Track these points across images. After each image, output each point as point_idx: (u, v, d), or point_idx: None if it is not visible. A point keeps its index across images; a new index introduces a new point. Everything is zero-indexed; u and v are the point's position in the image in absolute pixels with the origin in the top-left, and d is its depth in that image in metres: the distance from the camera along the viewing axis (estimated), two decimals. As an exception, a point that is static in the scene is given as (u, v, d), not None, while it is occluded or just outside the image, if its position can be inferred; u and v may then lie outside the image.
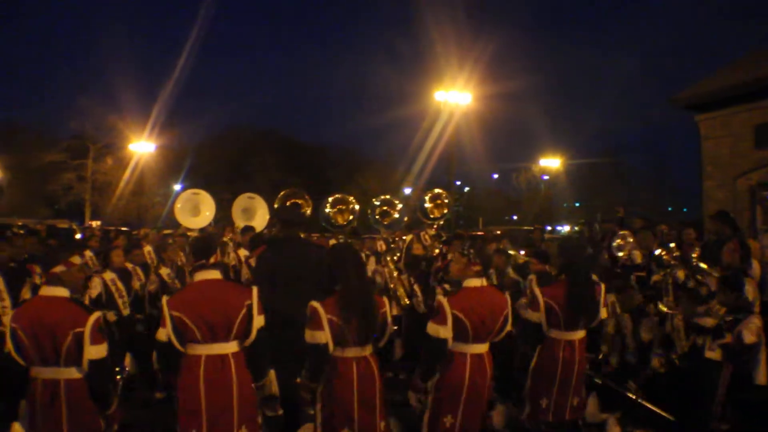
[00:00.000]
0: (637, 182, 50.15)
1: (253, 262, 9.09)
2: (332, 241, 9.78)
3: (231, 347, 4.80)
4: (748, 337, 6.01)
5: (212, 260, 5.14)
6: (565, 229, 46.88)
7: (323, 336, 4.66)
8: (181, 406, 4.68)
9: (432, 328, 5.04)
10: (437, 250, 10.30)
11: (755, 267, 7.49)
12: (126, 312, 8.34)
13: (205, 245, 5.21)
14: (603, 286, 6.06)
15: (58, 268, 4.70)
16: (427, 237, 11.17)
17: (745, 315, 6.22)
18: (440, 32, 46.73)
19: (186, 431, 4.65)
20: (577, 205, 54.49)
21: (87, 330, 4.47)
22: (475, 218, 51.77)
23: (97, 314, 4.62)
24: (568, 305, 5.70)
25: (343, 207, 9.76)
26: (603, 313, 6.07)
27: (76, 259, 4.87)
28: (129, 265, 8.86)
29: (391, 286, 8.96)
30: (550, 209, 52.96)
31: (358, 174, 49.90)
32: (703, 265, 7.47)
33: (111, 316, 7.98)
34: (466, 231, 20.73)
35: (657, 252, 8.36)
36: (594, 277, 6.14)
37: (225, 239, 10.95)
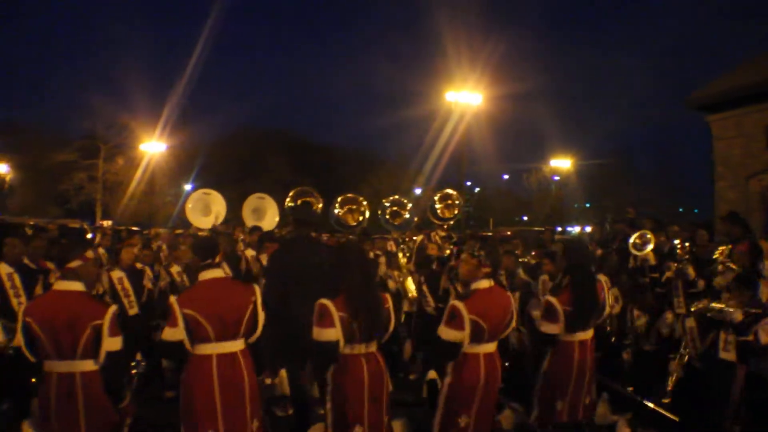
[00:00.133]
0: (647, 183, 49.93)
1: (264, 259, 9.11)
2: (342, 241, 9.80)
3: (239, 344, 4.87)
4: (765, 338, 5.97)
5: (218, 259, 5.19)
6: (576, 229, 46.75)
7: (335, 333, 4.64)
8: (195, 407, 4.66)
9: (447, 333, 5.05)
10: (448, 251, 10.29)
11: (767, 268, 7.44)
12: (132, 311, 8.27)
13: (209, 244, 5.26)
14: (604, 280, 6.10)
15: (75, 263, 4.76)
16: (437, 238, 11.16)
17: (760, 316, 6.17)
18: (451, 33, 46.59)
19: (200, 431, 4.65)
20: (588, 205, 54.41)
21: (106, 322, 4.56)
22: (486, 219, 51.74)
23: (114, 307, 4.72)
24: (575, 307, 5.69)
25: (354, 207, 9.77)
26: (609, 309, 6.10)
27: (90, 254, 4.93)
28: (138, 265, 8.87)
29: (401, 280, 8.95)
30: (560, 210, 52.80)
31: (370, 174, 49.83)
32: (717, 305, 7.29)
33: None
34: (475, 231, 20.71)
35: (676, 242, 8.36)
36: (601, 277, 6.14)
37: (237, 238, 10.98)
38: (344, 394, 4.76)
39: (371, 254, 10.53)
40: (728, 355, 6.22)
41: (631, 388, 7.05)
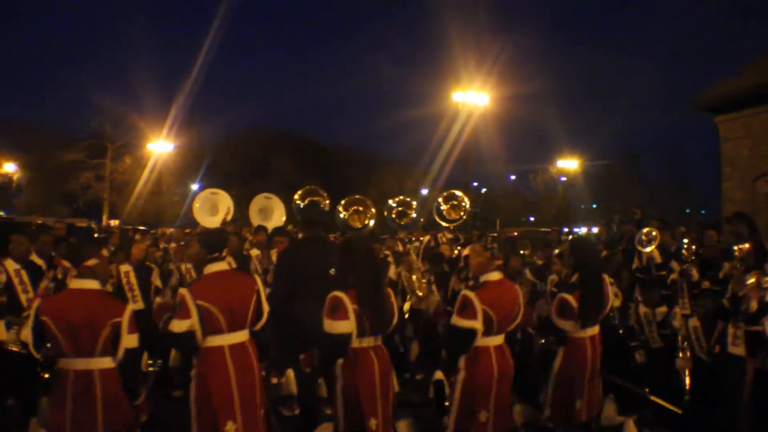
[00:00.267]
0: (654, 184, 49.90)
1: (274, 255, 9.12)
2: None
3: (246, 334, 5.00)
4: None
5: (224, 253, 5.31)
6: (582, 230, 46.66)
7: (348, 326, 4.67)
8: (213, 399, 4.70)
9: (461, 321, 5.07)
10: (455, 252, 10.30)
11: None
12: (136, 306, 8.20)
13: (217, 239, 5.34)
14: (606, 277, 6.13)
15: (92, 261, 4.80)
16: (444, 239, 11.18)
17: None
18: (458, 33, 46.50)
19: (220, 423, 4.70)
20: (594, 206, 54.33)
21: (125, 320, 4.62)
22: (493, 219, 51.66)
23: (131, 304, 4.75)
24: (584, 302, 5.71)
25: (360, 209, 9.76)
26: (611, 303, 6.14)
27: (105, 252, 4.98)
28: (148, 263, 8.91)
29: (413, 279, 8.95)
30: (567, 211, 52.77)
31: (376, 175, 49.84)
32: None
33: None
34: (482, 232, 20.71)
35: (684, 241, 8.35)
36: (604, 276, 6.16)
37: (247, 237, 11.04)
38: (356, 387, 4.76)
39: (381, 254, 10.52)
40: (737, 349, 6.22)
41: (647, 389, 7.01)
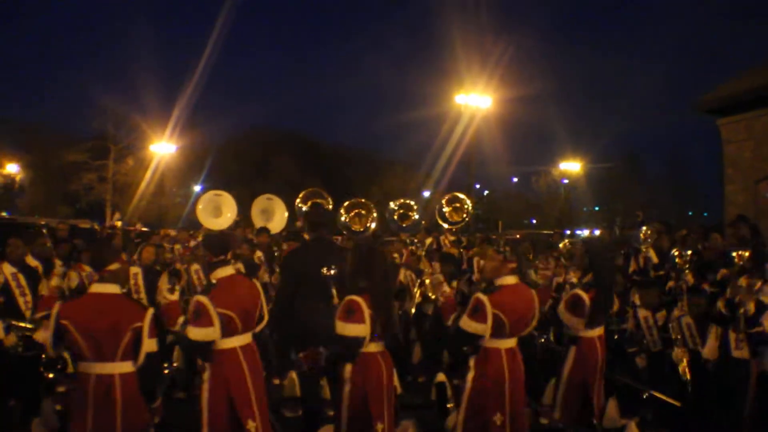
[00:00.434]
0: (657, 186, 49.82)
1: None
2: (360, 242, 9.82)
3: (251, 335, 5.13)
4: None
5: (229, 256, 5.35)
6: (585, 233, 46.62)
7: (363, 329, 4.72)
8: (234, 398, 4.81)
9: (469, 325, 5.11)
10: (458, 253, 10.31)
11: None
12: None
13: (223, 242, 5.40)
14: None
15: (114, 266, 4.81)
16: (446, 241, 11.19)
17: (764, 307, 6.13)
18: (461, 35, 46.37)
19: (243, 421, 4.80)
20: (597, 209, 54.27)
21: (146, 324, 4.64)
22: (495, 221, 51.62)
23: (152, 309, 4.81)
24: (596, 303, 5.74)
25: (363, 212, 9.76)
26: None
27: (125, 257, 5.02)
28: (158, 267, 8.94)
29: (426, 282, 8.94)
30: (569, 213, 52.72)
31: (378, 176, 49.84)
32: None
33: None
34: (485, 234, 20.70)
35: (674, 252, 8.37)
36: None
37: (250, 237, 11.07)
38: (365, 391, 4.79)
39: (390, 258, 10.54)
40: (741, 353, 6.23)
41: (655, 392, 7.01)
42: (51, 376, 5.98)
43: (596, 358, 5.85)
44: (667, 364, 7.31)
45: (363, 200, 9.82)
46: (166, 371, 5.89)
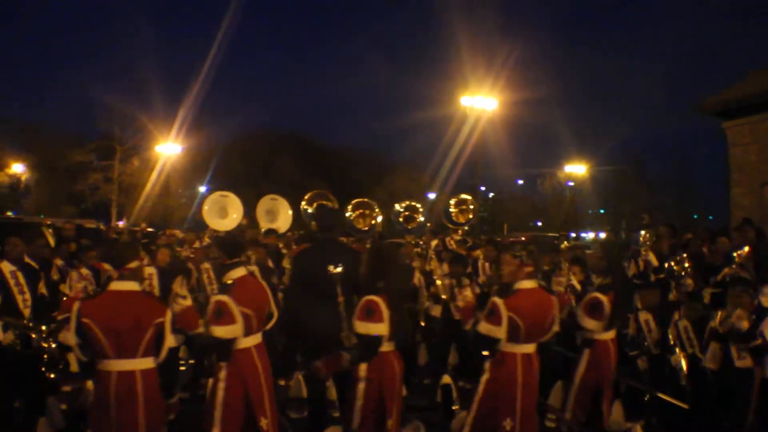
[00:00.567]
0: (662, 189, 49.69)
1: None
2: (367, 245, 9.84)
3: (261, 335, 5.20)
4: None
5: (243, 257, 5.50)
6: (590, 235, 46.58)
7: (383, 328, 4.80)
8: (251, 397, 4.91)
9: (486, 328, 5.13)
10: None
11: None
12: None
13: (236, 244, 5.53)
14: None
15: (134, 264, 4.88)
16: (452, 242, 11.19)
17: (759, 317, 6.12)
18: (467, 37, 46.44)
19: (257, 419, 4.91)
20: (602, 211, 54.19)
21: (167, 320, 4.73)
22: (500, 223, 51.60)
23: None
24: (616, 306, 5.78)
25: (367, 212, 9.78)
26: None
27: (143, 254, 5.08)
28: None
29: (438, 283, 8.93)
30: (575, 216, 52.69)
31: (384, 178, 49.79)
32: None
33: None
34: (491, 236, 20.69)
35: (671, 263, 8.37)
36: None
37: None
38: (380, 388, 4.89)
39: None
40: (744, 362, 6.20)
41: (662, 395, 7.01)
42: (53, 376, 6.01)
43: (609, 361, 5.87)
44: (668, 367, 7.33)
45: (369, 201, 9.85)
46: (183, 368, 5.94)
